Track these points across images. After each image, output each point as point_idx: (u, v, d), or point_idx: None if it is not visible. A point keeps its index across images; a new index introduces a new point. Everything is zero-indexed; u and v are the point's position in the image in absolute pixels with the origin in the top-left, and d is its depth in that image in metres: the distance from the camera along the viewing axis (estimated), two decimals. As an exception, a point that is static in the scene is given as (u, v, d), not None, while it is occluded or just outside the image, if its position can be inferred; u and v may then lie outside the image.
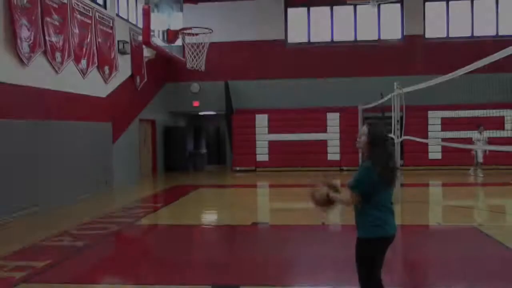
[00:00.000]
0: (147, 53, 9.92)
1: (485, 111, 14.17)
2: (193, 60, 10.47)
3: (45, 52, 11.08)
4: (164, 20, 9.57)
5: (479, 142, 15.24)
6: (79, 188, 12.62)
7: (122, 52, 15.60)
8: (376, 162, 3.72)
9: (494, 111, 14.20)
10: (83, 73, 12.94)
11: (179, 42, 10.26)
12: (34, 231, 8.59)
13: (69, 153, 12.06)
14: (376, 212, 3.76)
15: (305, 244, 7.67)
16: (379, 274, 3.88)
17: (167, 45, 9.79)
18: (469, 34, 20.23)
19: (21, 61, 10.14)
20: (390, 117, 11.66)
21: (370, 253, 3.80)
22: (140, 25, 14.42)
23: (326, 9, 20.79)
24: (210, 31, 10.20)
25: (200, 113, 23.50)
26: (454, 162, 18.79)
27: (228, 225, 9.56)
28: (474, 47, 18.74)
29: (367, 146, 3.81)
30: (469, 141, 15.36)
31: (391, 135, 9.34)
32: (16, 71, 10.09)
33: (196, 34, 10.24)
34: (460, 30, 20.31)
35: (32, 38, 10.46)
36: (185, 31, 10.10)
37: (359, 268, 3.85)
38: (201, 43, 10.41)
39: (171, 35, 9.65)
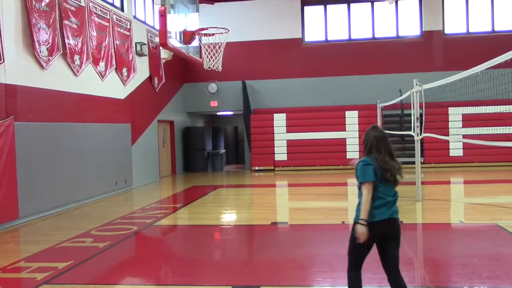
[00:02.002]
0: (164, 54, 9.92)
1: (508, 107, 13.90)
2: (210, 60, 10.46)
3: (63, 55, 11.20)
4: (180, 21, 9.58)
5: None
6: (99, 189, 12.77)
7: (140, 54, 15.70)
8: (375, 160, 3.98)
9: (517, 106, 13.92)
10: (102, 75, 13.06)
11: (195, 42, 10.27)
12: (55, 232, 8.68)
13: (88, 154, 12.19)
14: (374, 202, 3.96)
15: (325, 244, 7.61)
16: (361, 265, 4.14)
17: (183, 46, 9.80)
18: (489, 29, 19.90)
19: (40, 64, 10.27)
20: (410, 115, 11.52)
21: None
22: (157, 26, 14.51)
23: (343, 6, 20.67)
24: (227, 31, 10.18)
25: (218, 113, 23.55)
26: (476, 159, 18.55)
27: (247, 225, 9.54)
28: (495, 42, 18.48)
29: (365, 150, 4.13)
30: (491, 137, 15.08)
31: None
32: (35, 74, 10.22)
33: (213, 34, 10.23)
34: (480, 25, 20.00)
35: (50, 41, 10.58)
36: (201, 32, 10.10)
37: (348, 253, 4.19)
38: (218, 43, 10.40)
39: (187, 36, 9.66)
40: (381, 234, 4.00)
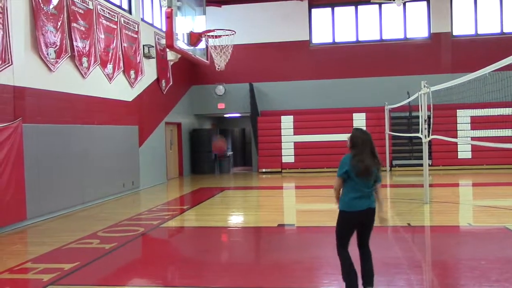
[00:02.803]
0: (171, 56, 9.96)
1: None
2: (221, 61, 10.46)
3: (71, 58, 11.25)
4: (187, 23, 9.61)
5: None
6: (106, 191, 12.81)
7: (148, 56, 15.75)
8: (353, 157, 4.80)
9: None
10: (110, 77, 13.10)
11: (202, 44, 10.28)
12: (62, 233, 8.71)
13: (96, 156, 12.23)
14: (351, 194, 4.84)
15: (332, 246, 7.55)
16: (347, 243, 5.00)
17: (190, 48, 9.81)
18: (498, 31, 19.78)
19: (47, 67, 10.32)
20: (418, 117, 11.45)
21: (342, 222, 5.00)
22: (164, 29, 14.54)
23: (351, 8, 20.63)
24: (233, 32, 10.19)
25: (226, 116, 23.56)
26: (484, 161, 18.44)
27: (254, 227, 9.53)
28: (504, 43, 18.35)
29: (349, 147, 4.95)
30: (500, 139, 14.98)
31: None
32: (43, 76, 10.27)
33: (219, 36, 10.25)
34: (489, 26, 19.88)
35: (58, 44, 10.64)
36: (208, 34, 10.11)
37: (335, 234, 5.09)
38: (224, 45, 10.41)
39: (194, 38, 9.68)
40: (360, 221, 4.89)
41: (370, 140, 4.84)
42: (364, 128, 5.06)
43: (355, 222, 4.91)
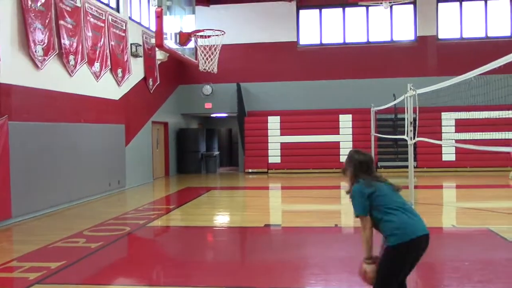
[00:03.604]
0: (159, 55, 9.93)
1: (501, 112, 13.99)
2: (205, 62, 10.48)
3: (59, 55, 11.18)
4: (176, 23, 9.60)
5: None
6: (92, 190, 12.74)
7: (135, 55, 15.70)
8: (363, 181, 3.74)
9: (510, 112, 14.00)
10: (97, 76, 13.04)
11: (191, 44, 10.28)
12: (48, 232, 8.66)
13: (82, 155, 12.17)
14: (396, 215, 3.65)
15: (318, 246, 7.64)
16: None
17: (179, 47, 9.81)
18: (483, 35, 20.04)
19: (35, 64, 10.24)
20: (403, 119, 11.57)
21: (395, 261, 3.65)
22: (153, 28, 14.50)
23: (338, 10, 20.76)
24: (223, 33, 10.21)
25: (212, 115, 23.54)
26: (468, 164, 18.68)
27: (241, 227, 9.56)
28: (489, 47, 18.60)
29: (350, 175, 3.87)
30: (484, 142, 15.18)
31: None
32: (30, 74, 10.20)
33: (209, 36, 10.25)
34: (474, 31, 20.14)
35: (46, 41, 10.56)
36: (197, 33, 10.11)
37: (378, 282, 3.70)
38: (214, 45, 10.42)
39: (183, 38, 9.66)
40: (421, 250, 3.70)
41: (372, 162, 3.95)
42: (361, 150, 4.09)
43: (417, 252, 3.66)
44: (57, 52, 11.06)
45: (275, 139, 20.08)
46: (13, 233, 8.91)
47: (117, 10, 14.85)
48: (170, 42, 9.26)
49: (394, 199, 3.73)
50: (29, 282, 5.67)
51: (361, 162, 3.84)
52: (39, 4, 10.31)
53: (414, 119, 11.19)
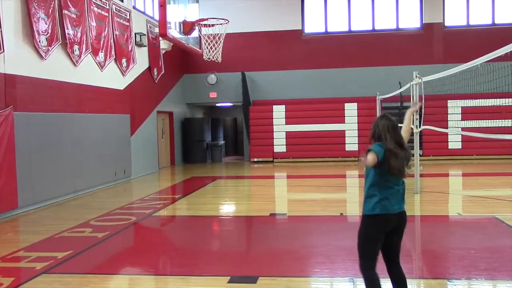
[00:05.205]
0: (163, 45, 9.92)
1: (507, 100, 13.89)
2: (209, 51, 10.45)
3: (63, 45, 11.17)
4: (180, 12, 9.56)
5: None
6: (98, 180, 12.79)
7: (139, 45, 15.65)
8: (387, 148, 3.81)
9: (516, 100, 13.90)
10: (101, 66, 13.02)
11: (195, 33, 10.24)
12: (55, 222, 8.71)
13: (87, 145, 12.20)
14: (379, 192, 3.85)
15: (323, 235, 7.64)
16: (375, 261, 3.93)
17: (183, 36, 9.77)
18: (490, 22, 19.84)
19: (39, 54, 10.24)
20: (409, 107, 11.49)
21: (368, 231, 3.90)
22: (157, 17, 14.45)
23: (343, -2, 20.57)
24: (227, 21, 10.16)
25: (218, 105, 23.51)
26: (474, 152, 18.59)
27: (246, 216, 9.57)
28: (495, 34, 18.42)
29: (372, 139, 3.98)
30: (490, 130, 15.10)
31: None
32: (35, 64, 10.20)
33: (213, 25, 10.20)
34: (480, 17, 19.93)
35: (49, 31, 10.55)
36: (201, 22, 10.06)
37: (358, 250, 3.95)
38: (218, 34, 10.37)
39: (187, 27, 9.64)
40: (393, 226, 3.90)
41: (397, 128, 3.96)
42: (389, 115, 4.07)
43: (385, 230, 3.89)
44: (61, 42, 11.04)
45: (280, 128, 20.04)
46: (20, 224, 8.96)
47: (121, -1, 14.79)
48: (174, 32, 9.24)
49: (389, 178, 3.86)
50: (36, 272, 5.71)
51: (385, 127, 3.90)
52: (42, -6, 10.27)
53: (420, 107, 11.12)
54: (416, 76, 10.83)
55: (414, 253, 6.56)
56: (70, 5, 11.42)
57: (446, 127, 17.51)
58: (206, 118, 23.09)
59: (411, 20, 20.39)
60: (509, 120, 11.81)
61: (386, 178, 3.84)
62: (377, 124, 3.95)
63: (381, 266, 4.02)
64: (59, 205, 10.59)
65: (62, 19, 11.05)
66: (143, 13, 16.58)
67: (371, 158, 3.73)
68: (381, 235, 3.87)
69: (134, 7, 15.59)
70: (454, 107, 18.39)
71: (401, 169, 3.83)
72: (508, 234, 7.38)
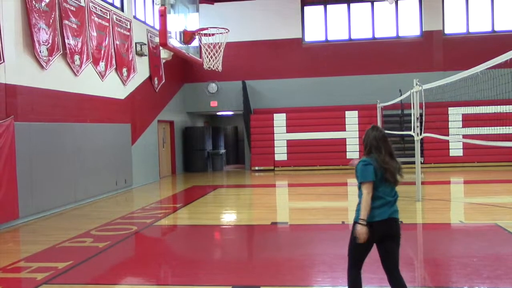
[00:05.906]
0: (164, 54, 9.91)
1: (508, 107, 13.89)
2: (210, 60, 10.46)
3: (63, 55, 11.20)
4: (180, 21, 9.58)
5: None
6: (99, 189, 12.77)
7: (140, 54, 15.70)
8: (375, 162, 3.99)
9: (518, 107, 13.89)
10: (102, 75, 13.05)
11: (195, 43, 10.27)
12: (56, 232, 8.69)
13: (88, 154, 12.19)
14: (374, 202, 3.98)
15: (325, 244, 7.61)
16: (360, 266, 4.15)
17: (183, 46, 9.80)
18: (489, 29, 19.89)
19: (40, 64, 10.26)
20: (410, 115, 11.50)
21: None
22: (157, 26, 14.49)
23: (343, 6, 20.66)
24: (227, 31, 10.18)
25: (218, 113, 23.53)
26: (476, 159, 18.57)
27: (248, 225, 9.54)
28: (495, 42, 18.47)
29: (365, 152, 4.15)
30: (492, 137, 15.09)
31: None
32: (35, 74, 10.22)
33: (213, 34, 10.23)
34: (480, 25, 19.99)
35: (50, 41, 10.58)
36: (201, 32, 10.09)
37: (348, 253, 4.20)
38: (218, 43, 10.39)
39: (187, 36, 9.65)
40: (381, 234, 3.99)
41: (387, 139, 4.11)
42: (379, 126, 4.24)
43: (374, 236, 3.99)
44: (61, 52, 11.08)
45: (281, 136, 20.04)
46: (21, 234, 8.93)
47: (122, 9, 14.85)
48: (174, 41, 9.26)
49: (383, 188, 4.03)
50: (37, 283, 5.68)
51: (376, 138, 4.07)
52: (43, 4, 10.33)
53: (421, 115, 11.13)
54: (417, 83, 10.84)
55: (416, 261, 6.53)
56: (71, 15, 11.47)
57: (447, 135, 17.49)
58: (207, 127, 23.11)
59: (411, 28, 20.46)
60: (510, 127, 11.81)
61: (378, 190, 3.98)
62: (368, 135, 4.12)
63: (383, 276, 4.01)
64: (60, 214, 10.57)
65: (62, 29, 11.10)
66: (144, 22, 16.65)
67: (362, 234, 3.96)
68: (369, 242, 4.01)
69: (134, 17, 15.66)
70: (455, 114, 18.38)
71: (395, 179, 4.02)
72: (510, 241, 7.35)
